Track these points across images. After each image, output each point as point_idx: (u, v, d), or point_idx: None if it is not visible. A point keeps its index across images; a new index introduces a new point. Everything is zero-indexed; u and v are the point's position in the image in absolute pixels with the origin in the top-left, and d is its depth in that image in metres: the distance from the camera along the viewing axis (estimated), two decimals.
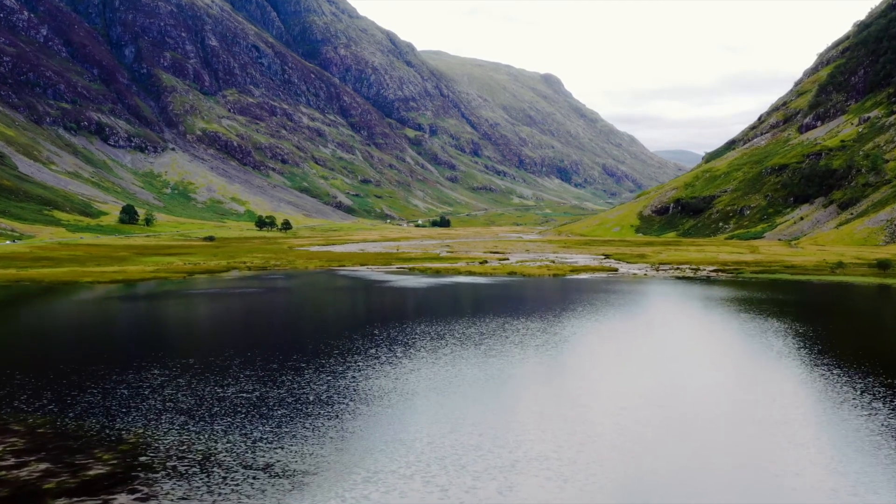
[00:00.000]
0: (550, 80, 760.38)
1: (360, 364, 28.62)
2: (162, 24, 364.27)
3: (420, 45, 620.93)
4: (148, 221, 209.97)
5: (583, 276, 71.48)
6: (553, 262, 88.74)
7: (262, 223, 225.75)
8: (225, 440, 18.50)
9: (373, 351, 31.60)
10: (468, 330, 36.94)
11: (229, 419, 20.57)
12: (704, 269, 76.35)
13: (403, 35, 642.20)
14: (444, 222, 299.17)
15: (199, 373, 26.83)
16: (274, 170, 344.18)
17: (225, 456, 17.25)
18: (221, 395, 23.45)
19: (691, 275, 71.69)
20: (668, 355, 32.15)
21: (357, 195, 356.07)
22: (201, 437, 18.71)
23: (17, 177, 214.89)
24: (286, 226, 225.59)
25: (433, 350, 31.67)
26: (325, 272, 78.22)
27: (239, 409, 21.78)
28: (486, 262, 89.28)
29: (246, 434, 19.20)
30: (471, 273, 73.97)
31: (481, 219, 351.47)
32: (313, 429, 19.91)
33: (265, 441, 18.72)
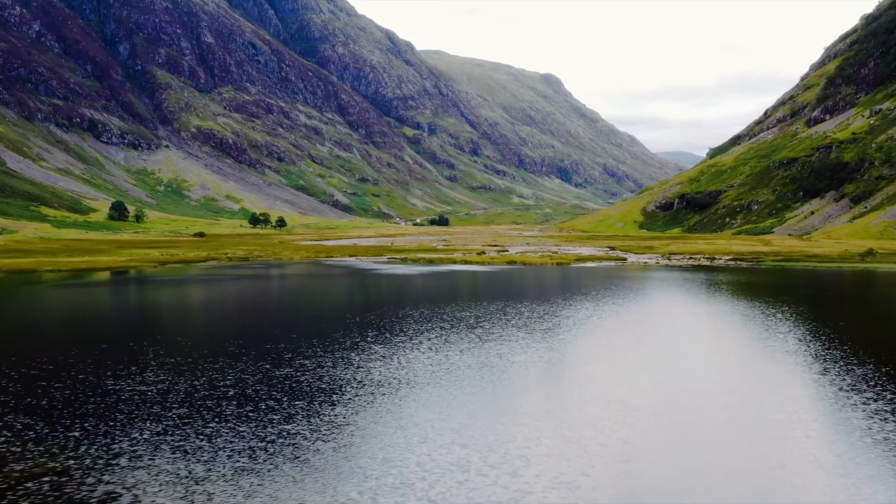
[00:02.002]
0: (550, 80, 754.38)
1: (316, 351, 22.73)
2: (157, 20, 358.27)
3: (419, 45, 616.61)
4: (138, 218, 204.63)
5: (589, 264, 65.34)
6: (556, 252, 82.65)
7: (255, 220, 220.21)
8: (81, 454, 12.39)
9: (337, 335, 25.71)
10: (461, 313, 30.88)
11: (105, 421, 14.49)
12: (721, 259, 70.23)
13: (402, 34, 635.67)
14: (442, 221, 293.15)
15: (104, 363, 20.78)
16: (270, 168, 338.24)
17: (73, 479, 11.12)
18: (113, 388, 17.35)
19: (707, 263, 65.55)
20: (700, 342, 26.10)
21: (354, 194, 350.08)
22: (58, 454, 12.59)
23: (4, 173, 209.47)
24: (281, 223, 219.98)
25: (414, 334, 25.83)
26: (309, 263, 72.17)
27: (120, 407, 15.67)
28: (483, 253, 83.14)
29: (108, 446, 13.11)
30: (467, 262, 67.85)
31: (480, 218, 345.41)
32: (215, 437, 13.84)
33: (138, 455, 12.71)
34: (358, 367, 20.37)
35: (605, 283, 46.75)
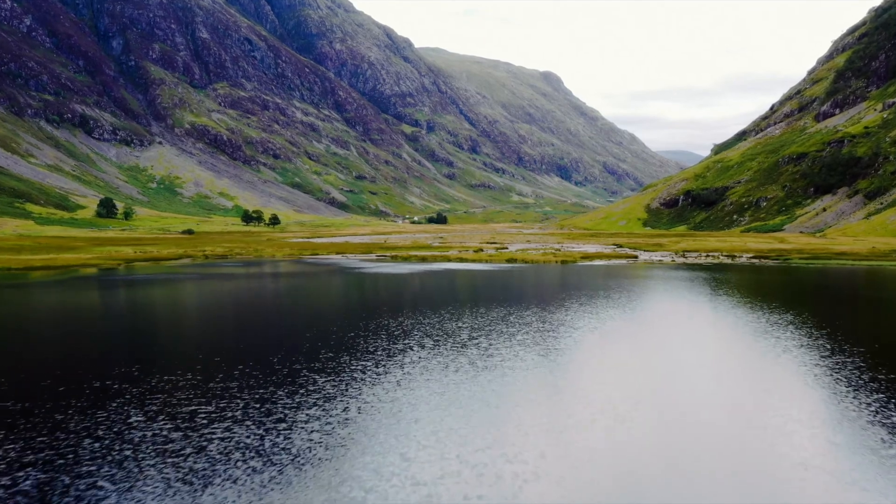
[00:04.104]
0: (550, 78, 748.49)
1: (227, 388, 15.96)
2: (151, 15, 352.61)
3: (417, 43, 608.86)
4: (127, 215, 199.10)
5: (597, 262, 59.21)
6: (559, 250, 76.58)
7: (248, 218, 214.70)
8: None
9: (272, 359, 18.94)
10: (450, 324, 24.56)
11: None
12: (742, 257, 64.20)
13: (400, 32, 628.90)
14: (440, 219, 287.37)
15: None
16: (265, 165, 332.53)
17: None
18: None
19: (729, 262, 59.41)
20: (766, 359, 20.07)
21: (351, 191, 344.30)
22: None
23: None
24: (274, 221, 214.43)
25: (381, 358, 19.14)
26: (291, 261, 66.09)
27: None
28: (481, 250, 77.06)
29: None
30: (462, 260, 61.72)
31: (479, 216, 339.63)
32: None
33: None
34: (276, 422, 13.39)
35: (624, 284, 40.44)
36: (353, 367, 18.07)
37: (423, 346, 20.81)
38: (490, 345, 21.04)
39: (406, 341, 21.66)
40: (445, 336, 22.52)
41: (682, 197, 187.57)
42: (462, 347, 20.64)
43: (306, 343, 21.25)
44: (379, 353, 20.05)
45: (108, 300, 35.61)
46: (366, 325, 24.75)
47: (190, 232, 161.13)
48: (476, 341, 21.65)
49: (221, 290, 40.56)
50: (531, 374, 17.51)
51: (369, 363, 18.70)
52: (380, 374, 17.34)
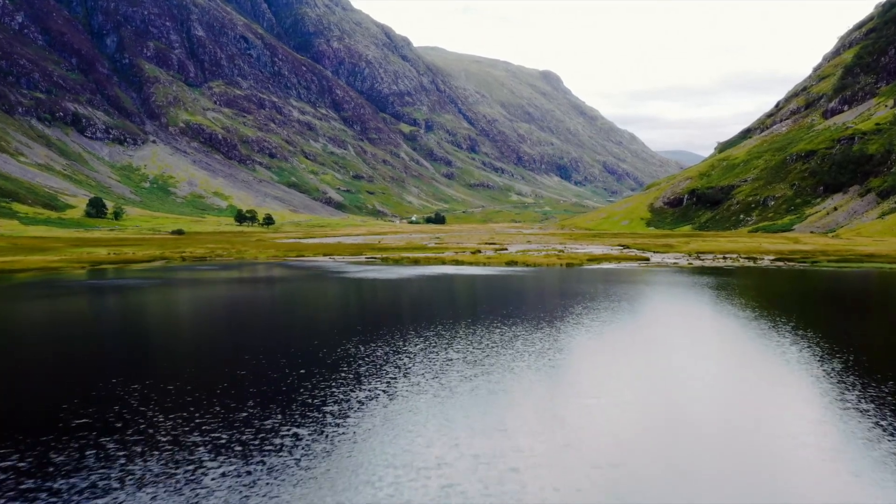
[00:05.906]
0: (549, 77, 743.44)
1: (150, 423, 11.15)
2: (146, 12, 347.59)
3: (415, 42, 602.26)
4: (116, 215, 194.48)
5: (605, 265, 53.99)
6: (562, 251, 71.35)
7: (241, 218, 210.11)
8: None
9: (186, 416, 13.17)
10: (437, 354, 18.82)
11: None
12: (764, 259, 58.98)
13: (398, 31, 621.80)
14: (438, 219, 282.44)
15: None
16: (261, 164, 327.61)
17: None
18: None
19: (751, 265, 54.16)
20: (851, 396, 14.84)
21: (348, 191, 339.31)
22: None
23: None
24: (268, 221, 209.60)
25: (335, 411, 13.36)
26: (272, 263, 60.90)
27: None
28: (479, 251, 71.83)
29: None
30: (458, 263, 56.47)
31: (478, 216, 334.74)
32: None
33: None
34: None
35: (647, 293, 34.91)
36: (283, 432, 12.21)
37: (393, 396, 14.63)
38: (490, 393, 14.82)
39: (373, 385, 15.55)
40: (428, 377, 16.27)
41: (686, 196, 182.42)
42: (451, 398, 14.40)
43: (228, 387, 15.89)
44: (329, 406, 13.94)
45: (34, 312, 30.39)
46: (324, 357, 18.62)
47: (180, 232, 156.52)
48: (471, 386, 15.39)
49: (167, 299, 35.35)
50: (558, 468, 10.89)
51: (312, 426, 12.69)
52: (323, 455, 11.17)
